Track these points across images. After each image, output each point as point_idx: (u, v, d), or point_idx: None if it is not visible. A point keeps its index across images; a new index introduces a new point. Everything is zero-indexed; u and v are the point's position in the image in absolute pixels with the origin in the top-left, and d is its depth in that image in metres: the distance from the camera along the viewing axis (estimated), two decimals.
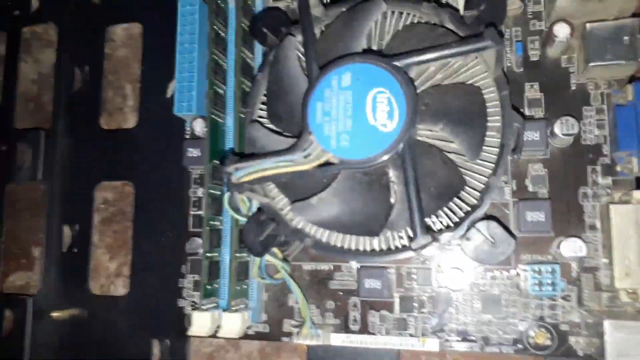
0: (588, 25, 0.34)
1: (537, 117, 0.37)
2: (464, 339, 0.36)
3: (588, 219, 0.35)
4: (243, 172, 0.33)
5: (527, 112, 0.37)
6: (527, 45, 0.38)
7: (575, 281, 0.35)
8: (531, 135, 0.35)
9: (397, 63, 0.31)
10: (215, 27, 0.41)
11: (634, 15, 0.34)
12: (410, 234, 0.31)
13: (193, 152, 0.43)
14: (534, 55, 0.38)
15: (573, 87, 0.37)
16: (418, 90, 0.33)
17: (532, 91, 0.37)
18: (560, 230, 0.35)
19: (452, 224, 0.33)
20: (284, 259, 0.38)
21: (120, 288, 0.47)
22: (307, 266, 0.40)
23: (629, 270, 0.33)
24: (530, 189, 0.37)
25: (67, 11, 0.51)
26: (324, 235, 0.35)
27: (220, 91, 0.41)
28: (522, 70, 0.38)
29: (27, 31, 0.53)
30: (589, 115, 0.36)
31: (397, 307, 0.38)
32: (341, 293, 0.39)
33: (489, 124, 0.33)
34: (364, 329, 0.38)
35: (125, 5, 0.50)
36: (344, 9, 0.36)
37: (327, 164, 0.32)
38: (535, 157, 0.37)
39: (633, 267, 0.32)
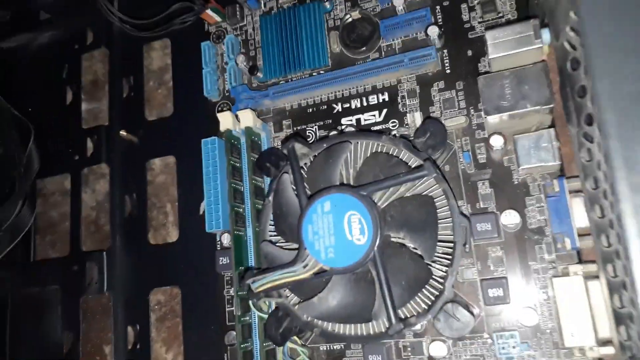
0: (515, 136, 0.43)
1: (489, 210, 0.46)
2: None
3: (539, 289, 0.43)
4: (258, 283, 0.43)
5: (481, 204, 0.46)
6: (476, 150, 0.47)
7: (536, 342, 0.43)
8: (485, 226, 0.44)
9: (362, 192, 0.41)
10: (231, 161, 0.52)
11: (550, 126, 0.43)
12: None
13: (223, 260, 0.53)
14: (482, 158, 0.47)
15: (516, 182, 0.46)
16: (386, 203, 0.43)
17: (483, 187, 0.46)
18: (517, 300, 0.44)
19: (425, 308, 0.41)
20: (302, 344, 0.48)
21: None
22: (323, 347, 0.49)
23: (574, 331, 0.40)
24: (492, 268, 0.45)
25: (114, 152, 0.64)
26: (328, 325, 0.44)
27: (240, 210, 0.52)
28: (474, 170, 0.47)
29: (86, 169, 0.66)
30: (531, 204, 0.45)
31: None
32: None
33: (443, 224, 0.42)
34: None
35: (160, 143, 0.62)
36: (325, 145, 0.47)
37: (321, 271, 0.42)
38: (493, 241, 0.45)
39: (576, 328, 0.40)
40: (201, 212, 0.58)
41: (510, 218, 0.44)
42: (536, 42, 0.40)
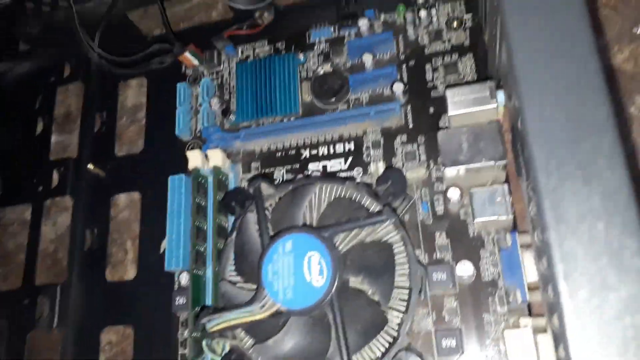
0: (472, 189, 0.45)
1: (446, 260, 0.47)
2: None
3: (491, 342, 0.44)
4: (214, 323, 0.42)
5: (438, 254, 0.47)
6: (434, 202, 0.49)
7: None
8: (440, 276, 0.45)
9: (324, 233, 0.42)
10: (197, 199, 0.52)
11: (505, 182, 0.46)
12: None
13: (180, 300, 0.52)
14: (440, 210, 0.48)
15: (471, 234, 0.47)
16: (347, 247, 0.44)
17: (440, 238, 0.48)
18: (470, 353, 0.44)
19: (379, 355, 0.42)
20: None
21: None
22: None
23: None
24: (446, 318, 0.46)
25: (80, 185, 0.64)
26: None
27: (201, 249, 0.52)
28: (432, 221, 0.48)
29: (49, 201, 0.65)
30: (485, 256, 0.46)
31: None
32: None
33: (400, 271, 0.43)
34: None
35: (127, 178, 0.62)
36: (290, 187, 0.48)
37: (278, 312, 0.42)
38: (448, 292, 0.46)
39: None
40: (161, 251, 0.57)
41: (465, 269, 0.45)
42: (492, 102, 0.43)
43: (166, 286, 0.54)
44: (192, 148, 0.57)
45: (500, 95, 0.44)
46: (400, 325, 0.42)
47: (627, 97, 0.51)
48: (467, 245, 0.47)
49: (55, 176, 0.66)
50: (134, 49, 0.62)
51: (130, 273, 0.60)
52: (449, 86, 0.46)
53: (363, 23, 0.55)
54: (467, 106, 0.44)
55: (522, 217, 0.46)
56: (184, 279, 0.53)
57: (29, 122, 0.69)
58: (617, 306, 0.23)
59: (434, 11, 0.54)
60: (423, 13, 0.54)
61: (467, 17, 0.53)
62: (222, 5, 0.66)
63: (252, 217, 0.48)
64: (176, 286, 0.54)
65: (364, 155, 0.52)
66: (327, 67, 0.55)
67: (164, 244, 0.56)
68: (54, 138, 0.68)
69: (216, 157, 0.53)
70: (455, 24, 0.53)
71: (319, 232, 0.42)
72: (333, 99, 0.53)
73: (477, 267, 0.46)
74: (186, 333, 0.52)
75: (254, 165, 0.56)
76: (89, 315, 0.58)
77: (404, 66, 0.54)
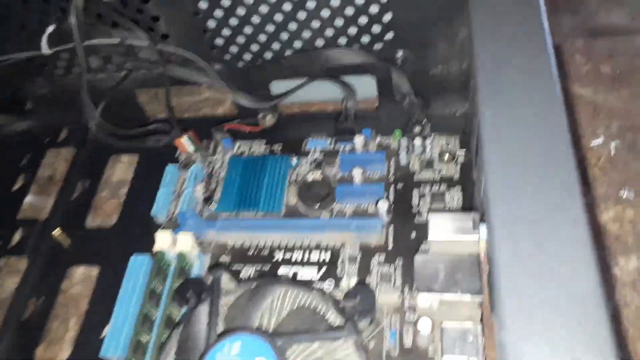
0: (443, 323, 0.42)
1: None
2: None
3: None
4: None
5: None
6: (403, 333, 0.45)
7: None
8: None
9: (278, 341, 0.38)
10: (152, 285, 0.49)
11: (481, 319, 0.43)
12: None
13: None
14: (408, 343, 0.45)
15: None
16: None
17: None
18: None
19: None
20: None
21: None
22: None
23: None
24: None
25: (40, 250, 0.60)
26: None
27: (143, 341, 0.47)
28: (397, 353, 0.44)
29: (2, 260, 0.62)
30: None
31: None
32: None
33: None
34: None
35: (90, 251, 0.59)
36: (252, 287, 0.45)
37: None
38: None
39: None
40: (102, 335, 0.52)
41: None
42: (474, 233, 0.42)
43: None
44: (164, 229, 0.55)
45: (484, 229, 0.43)
46: None
47: (612, 258, 0.50)
48: None
49: (17, 236, 0.63)
50: (134, 126, 0.63)
51: (65, 353, 0.54)
52: (432, 210, 0.46)
53: (359, 140, 0.56)
54: (448, 233, 0.42)
55: None
56: None
57: (11, 177, 0.68)
58: None
59: (428, 141, 0.55)
60: (418, 141, 0.55)
61: (461, 152, 0.55)
62: (230, 103, 0.69)
63: (204, 310, 0.44)
64: None
65: (338, 269, 0.50)
66: (317, 175, 0.55)
67: (107, 329, 0.51)
68: (28, 198, 0.66)
69: (186, 242, 0.51)
70: (447, 157, 0.54)
71: (272, 339, 0.39)
72: (317, 206, 0.52)
73: None
74: None
75: (223, 258, 0.53)
76: None
77: (392, 187, 0.54)
